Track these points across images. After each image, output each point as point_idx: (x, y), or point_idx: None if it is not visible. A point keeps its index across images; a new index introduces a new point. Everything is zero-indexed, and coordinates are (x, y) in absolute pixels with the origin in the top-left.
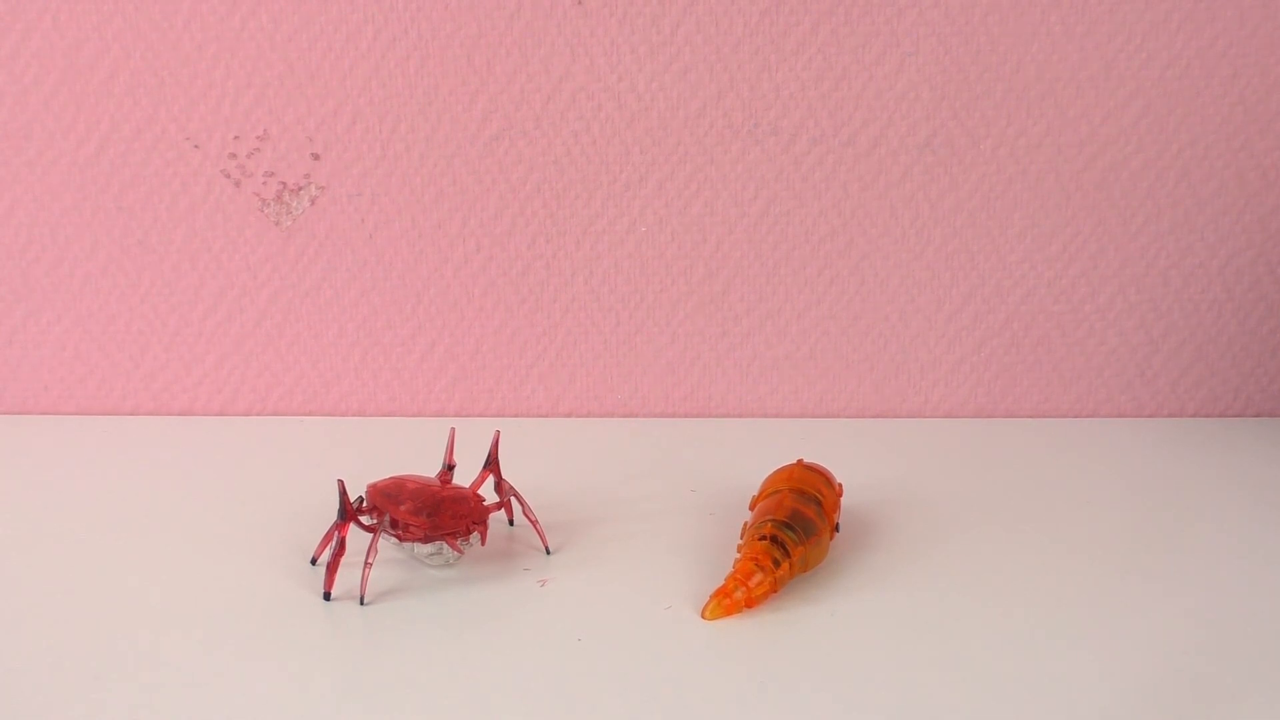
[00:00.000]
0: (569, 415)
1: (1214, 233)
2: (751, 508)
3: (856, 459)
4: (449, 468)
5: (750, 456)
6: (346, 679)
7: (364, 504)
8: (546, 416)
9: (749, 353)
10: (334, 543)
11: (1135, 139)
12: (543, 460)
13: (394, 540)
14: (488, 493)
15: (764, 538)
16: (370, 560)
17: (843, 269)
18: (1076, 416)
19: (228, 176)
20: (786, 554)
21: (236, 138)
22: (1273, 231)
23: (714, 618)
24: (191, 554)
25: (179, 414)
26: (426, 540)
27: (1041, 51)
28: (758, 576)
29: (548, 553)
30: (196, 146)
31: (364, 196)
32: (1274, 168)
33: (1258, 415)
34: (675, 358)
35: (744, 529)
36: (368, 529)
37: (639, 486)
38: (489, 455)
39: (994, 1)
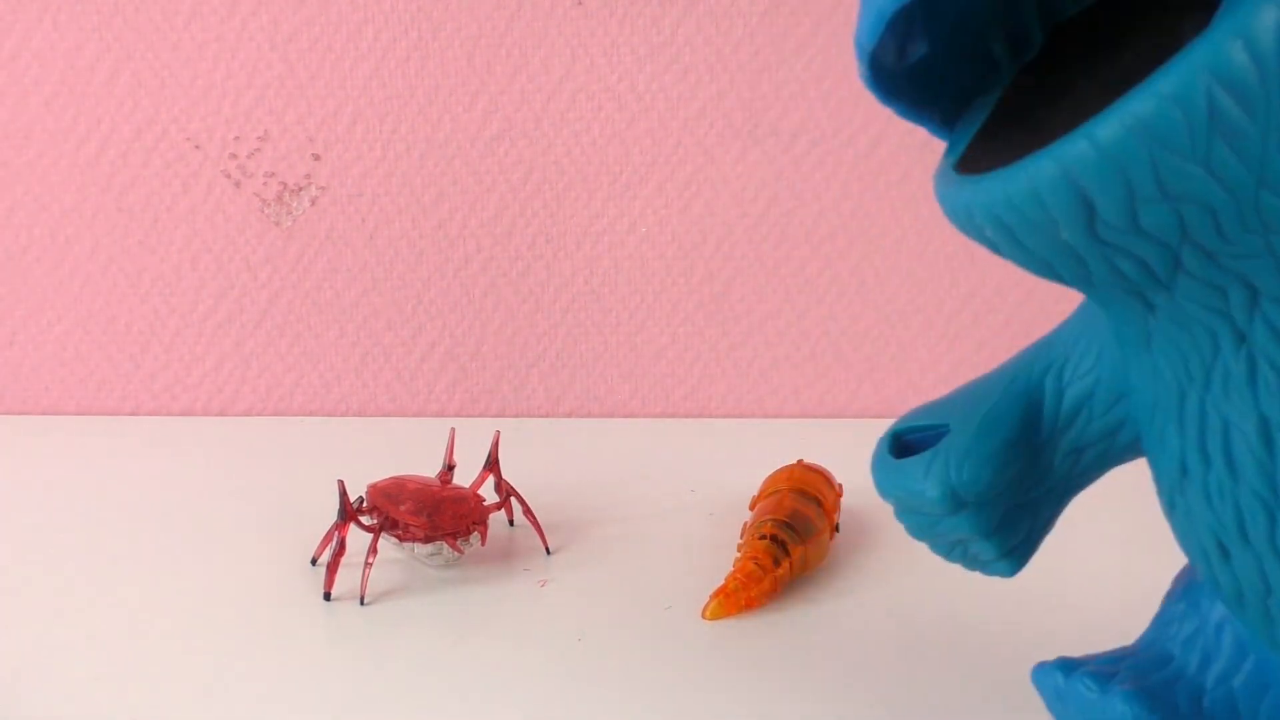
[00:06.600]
0: (569, 415)
1: None
2: (751, 508)
3: (856, 459)
4: (449, 468)
5: (750, 456)
6: (346, 679)
7: (364, 504)
8: (546, 416)
9: (749, 353)
10: (334, 543)
11: None
12: (543, 460)
13: (394, 540)
14: (488, 493)
15: (764, 537)
16: (370, 560)
17: (843, 269)
18: None
19: (228, 177)
20: (786, 554)
21: (237, 138)
22: None
23: (714, 618)
24: (191, 554)
25: (179, 414)
26: (426, 540)
27: None
28: (758, 575)
29: (548, 553)
30: (197, 147)
31: (364, 197)
32: None
33: None
34: (675, 358)
35: (744, 529)
36: (368, 529)
37: (639, 486)
38: (489, 455)
39: None
